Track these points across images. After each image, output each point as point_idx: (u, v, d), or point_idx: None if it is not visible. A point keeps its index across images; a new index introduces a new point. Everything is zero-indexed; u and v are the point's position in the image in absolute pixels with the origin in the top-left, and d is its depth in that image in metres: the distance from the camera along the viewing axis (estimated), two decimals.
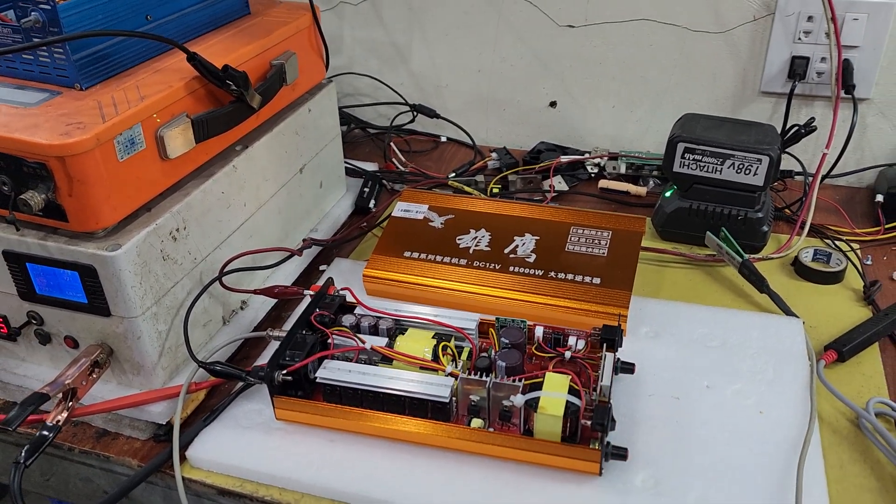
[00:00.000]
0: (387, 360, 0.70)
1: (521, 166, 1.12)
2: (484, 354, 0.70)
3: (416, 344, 0.70)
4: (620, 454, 0.63)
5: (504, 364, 0.67)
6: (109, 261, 0.64)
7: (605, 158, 1.11)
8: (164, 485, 0.69)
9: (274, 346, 0.77)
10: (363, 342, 0.70)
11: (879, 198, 0.98)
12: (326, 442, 0.68)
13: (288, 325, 0.77)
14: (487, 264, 0.83)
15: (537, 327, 0.71)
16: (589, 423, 0.62)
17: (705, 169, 0.91)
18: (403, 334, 0.72)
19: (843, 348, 0.76)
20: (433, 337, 0.71)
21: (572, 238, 0.85)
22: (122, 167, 0.64)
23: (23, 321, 0.72)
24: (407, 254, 0.86)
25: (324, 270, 0.92)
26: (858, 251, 0.93)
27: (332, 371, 0.68)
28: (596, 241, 0.84)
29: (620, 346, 0.70)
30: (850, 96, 0.99)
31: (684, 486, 0.63)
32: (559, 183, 1.08)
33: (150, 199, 0.69)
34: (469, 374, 0.66)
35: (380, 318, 0.74)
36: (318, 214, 0.98)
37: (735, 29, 1.04)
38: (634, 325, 0.80)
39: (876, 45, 0.99)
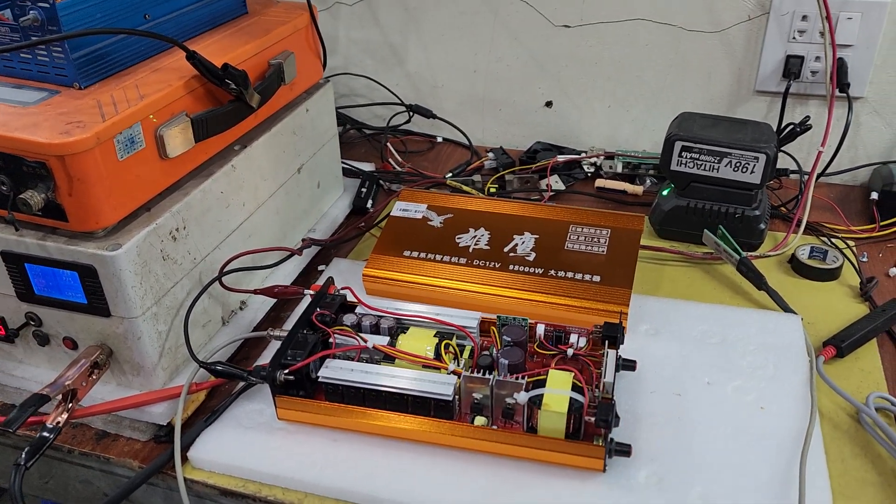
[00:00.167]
0: (389, 359, 0.70)
1: (517, 166, 1.12)
2: (486, 352, 0.70)
3: (418, 342, 0.70)
4: (624, 450, 0.63)
5: (507, 362, 0.67)
6: (110, 260, 0.64)
7: (602, 158, 1.11)
8: (165, 486, 0.69)
9: (273, 346, 0.77)
10: (365, 341, 0.70)
11: (874, 195, 0.99)
12: (329, 441, 0.68)
13: (287, 326, 0.77)
14: (487, 263, 0.83)
15: (538, 325, 0.71)
16: (592, 419, 0.62)
17: (702, 167, 0.91)
18: (405, 333, 0.72)
19: (841, 344, 0.76)
20: (435, 335, 0.71)
21: (571, 236, 0.85)
22: (122, 166, 0.64)
23: (21, 322, 0.71)
24: (406, 253, 0.85)
25: (322, 270, 0.92)
26: (854, 248, 0.94)
27: (335, 370, 0.68)
28: (595, 240, 0.84)
29: (622, 344, 0.70)
30: (844, 95, 0.99)
31: (688, 481, 0.63)
32: (556, 182, 1.08)
33: (149, 199, 0.69)
34: (471, 372, 0.66)
35: (381, 317, 0.74)
36: (316, 215, 0.97)
37: (730, 28, 1.04)
38: (634, 322, 0.80)
39: (869, 43, 1.00)
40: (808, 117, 0.97)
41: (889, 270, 0.90)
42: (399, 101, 1.23)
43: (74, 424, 0.73)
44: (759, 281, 0.85)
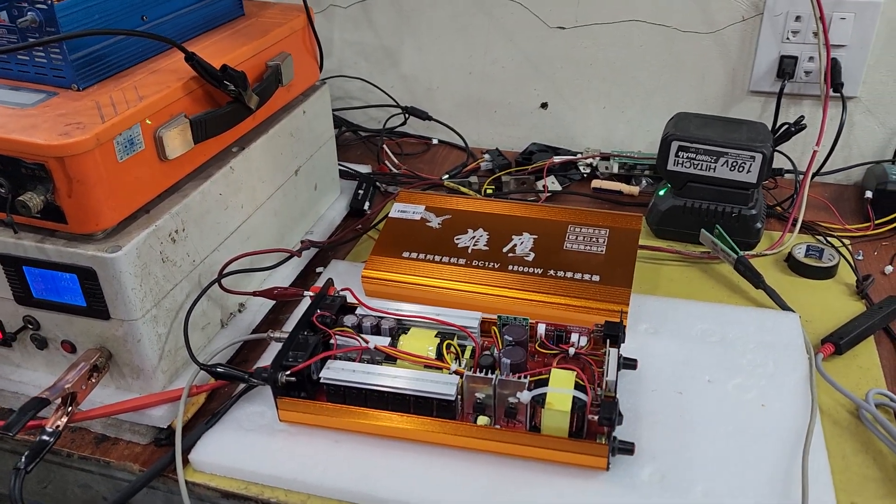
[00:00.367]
0: (390, 360, 0.70)
1: (513, 167, 1.12)
2: (487, 352, 0.70)
3: (420, 343, 0.70)
4: (627, 449, 0.64)
5: (509, 361, 0.67)
6: (110, 263, 0.63)
7: (598, 158, 1.11)
8: (166, 489, 0.69)
9: (273, 348, 0.77)
10: (366, 342, 0.70)
11: (868, 194, 0.99)
12: (331, 442, 0.68)
13: (286, 328, 0.77)
14: (486, 263, 0.83)
15: (539, 325, 0.71)
16: (595, 418, 0.62)
17: (699, 167, 0.91)
18: (406, 333, 0.72)
19: (840, 341, 0.77)
20: (436, 335, 0.71)
21: (570, 236, 0.85)
22: (121, 168, 0.64)
23: (19, 326, 0.71)
24: (405, 254, 0.85)
25: (320, 272, 0.92)
26: (849, 247, 0.94)
27: (336, 371, 0.67)
28: (594, 240, 0.84)
29: (623, 342, 0.70)
30: (838, 94, 1.00)
31: (691, 479, 0.63)
32: (552, 183, 1.08)
33: (148, 201, 0.69)
34: (473, 371, 0.66)
35: (382, 317, 0.74)
36: (314, 216, 0.97)
37: (724, 29, 1.05)
38: (634, 321, 0.80)
39: (863, 44, 1.00)
40: (802, 117, 0.98)
41: (884, 268, 0.91)
42: (395, 104, 1.23)
43: (73, 428, 0.72)
44: (756, 280, 0.85)
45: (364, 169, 1.11)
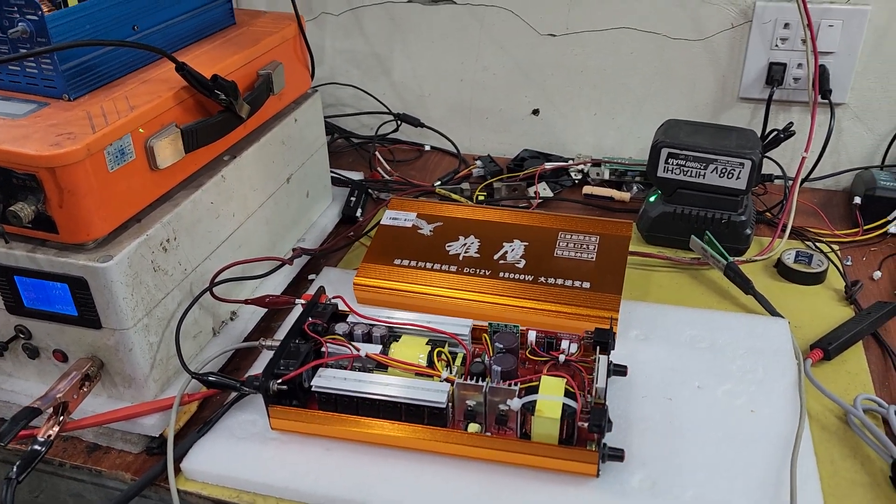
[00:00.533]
0: (381, 368, 0.70)
1: (505, 174, 1.13)
2: (478, 359, 0.70)
3: (411, 350, 0.71)
4: (617, 455, 0.64)
5: (499, 368, 0.67)
6: (101, 272, 0.63)
7: (589, 165, 1.12)
8: (157, 498, 0.69)
9: (265, 356, 0.77)
10: (357, 350, 0.70)
11: (857, 200, 1.00)
12: (323, 450, 0.68)
13: (278, 336, 0.77)
14: (477, 270, 0.83)
15: (530, 332, 0.72)
16: (585, 425, 0.62)
17: (689, 173, 0.92)
18: (397, 341, 0.72)
19: (828, 347, 0.77)
20: (427, 343, 0.71)
21: (560, 243, 0.86)
22: (112, 178, 0.64)
23: (10, 335, 0.71)
24: (397, 261, 0.86)
25: (312, 280, 0.92)
26: (838, 252, 0.95)
27: (328, 379, 0.68)
28: (584, 246, 0.85)
29: (613, 349, 0.71)
30: (826, 101, 1.01)
31: (681, 485, 0.64)
32: (544, 189, 1.08)
33: (140, 210, 0.69)
34: (464, 379, 0.66)
35: (373, 325, 0.74)
36: (306, 224, 0.97)
37: (714, 36, 1.06)
38: (624, 328, 0.81)
39: (851, 50, 1.01)
40: (791, 123, 0.99)
41: (873, 273, 0.91)
42: (387, 111, 1.23)
43: (65, 437, 0.72)
44: (746, 285, 0.86)
45: (356, 176, 1.12)
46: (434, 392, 0.66)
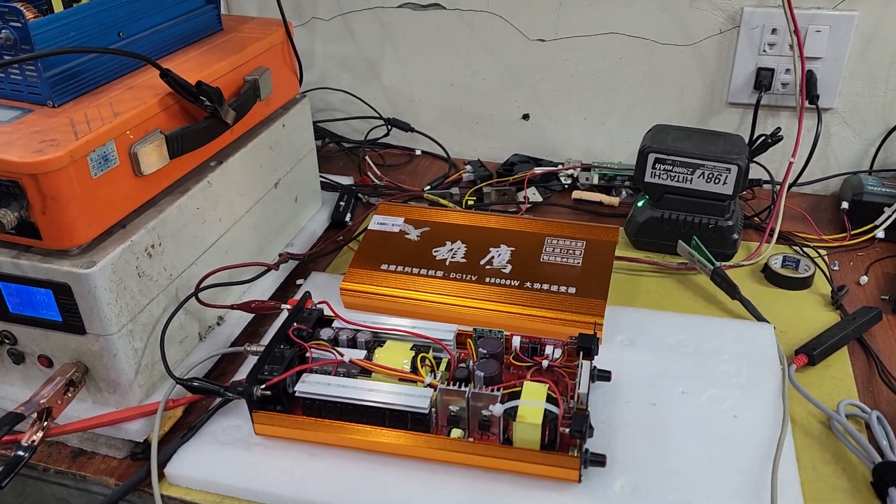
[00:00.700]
0: (365, 373, 0.70)
1: (495, 178, 1.13)
2: (462, 365, 0.71)
3: (395, 356, 0.71)
4: (599, 461, 0.64)
5: (482, 374, 0.67)
6: (85, 278, 0.64)
7: (578, 170, 1.12)
8: (141, 503, 0.69)
9: (251, 361, 0.77)
10: (341, 355, 0.70)
11: (844, 205, 1.00)
12: (307, 456, 0.68)
13: (265, 341, 0.77)
14: (464, 276, 0.84)
15: (514, 337, 0.72)
16: (567, 430, 0.63)
17: (676, 179, 0.92)
18: (382, 346, 0.72)
19: (813, 352, 0.78)
20: (411, 348, 0.72)
21: (547, 248, 0.86)
22: (95, 184, 0.64)
23: None
24: (384, 266, 0.86)
25: (300, 285, 0.92)
26: (826, 257, 0.95)
27: (311, 385, 0.68)
28: (570, 252, 0.85)
29: (597, 354, 0.71)
30: (814, 106, 1.01)
31: (662, 490, 0.64)
32: (533, 194, 1.09)
33: (124, 216, 0.69)
34: (448, 384, 0.67)
35: (358, 330, 0.74)
36: (294, 229, 0.98)
37: (702, 42, 1.06)
38: (610, 333, 0.81)
39: (838, 56, 1.02)
40: (779, 129, 0.99)
41: (860, 279, 0.91)
42: (377, 115, 1.24)
43: (50, 442, 0.72)
44: (732, 291, 0.86)
45: (346, 180, 1.12)
46: (417, 398, 0.66)
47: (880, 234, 0.98)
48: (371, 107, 1.23)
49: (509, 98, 1.18)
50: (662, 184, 0.93)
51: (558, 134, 1.18)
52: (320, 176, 1.04)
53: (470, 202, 1.07)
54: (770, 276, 0.91)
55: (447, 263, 0.85)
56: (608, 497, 0.63)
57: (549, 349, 0.71)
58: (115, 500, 0.66)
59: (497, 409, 0.64)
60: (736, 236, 0.94)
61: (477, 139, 1.23)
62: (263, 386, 0.67)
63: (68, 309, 0.66)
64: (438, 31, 1.15)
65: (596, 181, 1.11)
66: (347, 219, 1.03)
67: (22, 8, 0.63)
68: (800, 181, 1.06)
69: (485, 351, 0.70)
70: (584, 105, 1.15)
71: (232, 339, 0.82)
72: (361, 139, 1.25)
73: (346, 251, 0.99)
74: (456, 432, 0.66)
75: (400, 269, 0.85)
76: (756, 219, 1.03)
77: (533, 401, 0.64)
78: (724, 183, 0.91)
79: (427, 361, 0.70)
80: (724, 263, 0.92)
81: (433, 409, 0.66)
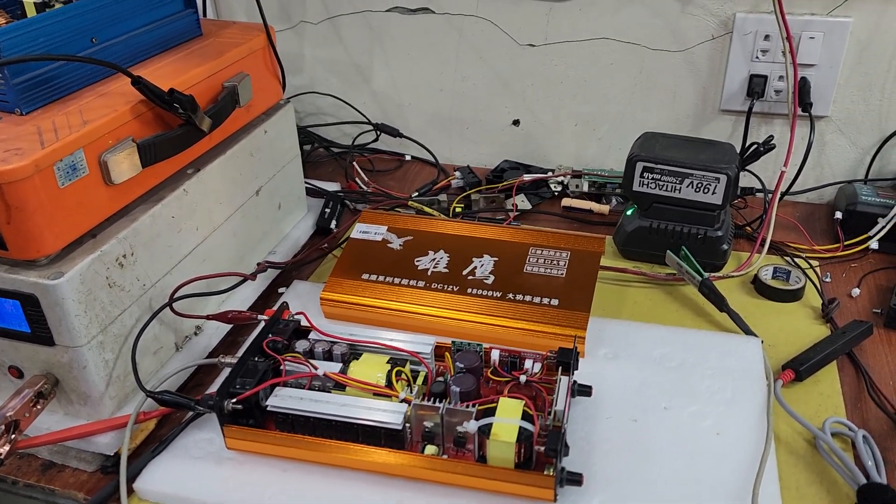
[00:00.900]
0: (340, 387, 0.69)
1: (484, 185, 1.11)
2: (440, 379, 0.69)
3: (370, 369, 0.69)
4: (575, 480, 0.62)
5: (458, 389, 0.66)
6: (51, 289, 0.62)
7: (569, 177, 1.10)
8: None
9: (227, 373, 0.76)
10: (316, 368, 0.69)
11: (838, 215, 0.99)
12: (279, 471, 0.67)
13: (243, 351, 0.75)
14: (445, 286, 0.82)
15: (493, 350, 0.70)
16: (543, 448, 0.61)
17: (664, 188, 0.91)
18: (358, 359, 0.71)
19: (800, 367, 0.76)
20: (388, 362, 0.70)
21: (531, 259, 0.84)
22: (63, 193, 0.63)
23: None
24: (365, 276, 0.84)
25: (283, 293, 0.91)
26: (818, 268, 0.93)
27: (284, 399, 0.66)
28: (554, 262, 0.84)
29: (576, 369, 0.69)
30: (807, 114, 0.99)
31: None
32: (522, 201, 1.07)
33: (95, 226, 0.68)
34: (424, 399, 0.65)
35: (334, 342, 0.73)
36: (277, 236, 0.96)
37: (694, 48, 1.04)
38: (593, 346, 0.79)
39: (833, 63, 1.00)
40: (771, 137, 0.97)
41: (852, 291, 0.90)
42: (366, 120, 1.22)
43: (21, 454, 0.71)
44: (720, 303, 0.84)
45: (333, 186, 1.11)
46: (391, 413, 0.64)
47: (874, 245, 0.96)
48: (360, 112, 1.22)
49: (499, 103, 1.16)
50: (651, 193, 0.91)
51: (549, 140, 1.17)
52: (305, 182, 1.03)
53: (458, 209, 1.06)
54: (760, 288, 0.90)
55: (429, 273, 0.84)
56: None
57: (528, 363, 0.70)
58: None
59: (471, 425, 0.62)
60: (725, 247, 0.92)
61: (467, 145, 1.21)
62: (235, 400, 0.66)
63: (36, 320, 0.65)
64: (427, 35, 1.14)
65: (586, 189, 1.09)
66: (333, 226, 1.02)
67: None
68: (794, 190, 1.04)
69: (462, 365, 0.69)
70: (575, 111, 1.13)
71: (210, 349, 0.81)
72: (351, 144, 1.23)
73: (331, 259, 0.98)
74: (430, 449, 0.65)
75: (381, 278, 0.84)
76: (748, 228, 1.01)
77: (507, 418, 0.62)
78: (713, 192, 0.89)
79: (403, 375, 0.69)
80: (713, 274, 0.90)
81: (407, 425, 0.65)
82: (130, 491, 0.66)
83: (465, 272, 0.84)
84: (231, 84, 0.80)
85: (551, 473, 0.61)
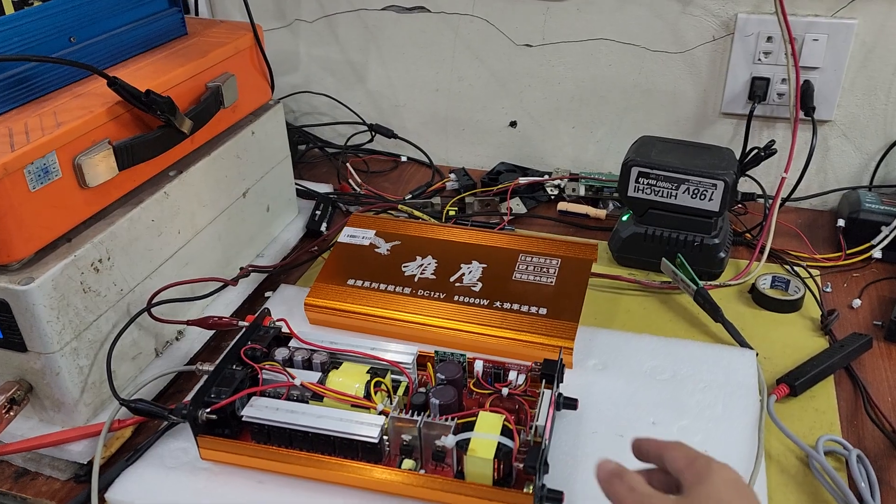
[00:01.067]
0: (318, 398, 0.67)
1: (479, 188, 1.09)
2: (422, 390, 0.67)
3: (349, 379, 0.68)
4: (556, 498, 0.60)
5: (438, 402, 0.64)
6: (22, 295, 0.61)
7: (566, 180, 1.08)
8: None
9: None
10: (293, 377, 0.67)
11: (840, 222, 0.96)
12: (255, 483, 0.65)
13: None
14: (432, 293, 0.80)
15: (477, 361, 0.69)
16: (522, 465, 0.59)
17: (660, 194, 0.88)
18: (338, 368, 0.69)
19: (795, 382, 0.73)
20: (368, 372, 0.68)
21: (520, 266, 0.82)
22: (35, 197, 0.61)
23: None
24: (351, 282, 0.83)
25: (269, 297, 0.89)
26: (818, 278, 0.91)
27: (259, 409, 0.65)
28: (544, 270, 0.81)
29: (562, 382, 0.67)
30: (809, 118, 0.96)
31: None
32: (517, 205, 1.05)
33: (69, 230, 0.66)
34: (403, 411, 0.63)
35: (314, 351, 0.71)
36: (266, 239, 0.95)
37: (694, 49, 1.02)
38: (582, 356, 0.77)
39: (837, 66, 0.97)
40: (772, 141, 0.94)
41: (852, 302, 0.87)
42: (361, 121, 1.20)
43: None
44: (715, 313, 0.82)
45: (325, 188, 1.09)
46: (367, 426, 0.63)
47: (877, 254, 0.93)
48: (354, 112, 1.20)
49: (496, 104, 1.14)
50: (646, 199, 0.89)
51: (546, 142, 1.14)
52: (296, 184, 1.01)
53: (451, 213, 1.04)
54: (757, 298, 0.87)
55: (416, 280, 0.82)
56: None
57: (512, 375, 0.68)
58: None
59: (449, 440, 0.60)
60: (723, 255, 0.90)
61: (463, 146, 1.19)
62: (209, 409, 0.64)
63: (8, 326, 0.63)
64: (423, 34, 1.12)
65: (583, 193, 1.07)
66: (323, 228, 1.00)
67: None
68: (797, 196, 1.02)
69: (443, 377, 0.67)
70: (573, 113, 1.11)
71: (191, 354, 0.79)
72: (344, 145, 1.21)
73: (321, 262, 0.96)
74: (408, 463, 0.63)
75: (367, 284, 0.82)
76: (747, 235, 0.99)
77: (486, 433, 0.60)
78: (710, 199, 0.86)
79: (382, 386, 0.67)
80: (709, 283, 0.88)
81: (385, 438, 0.63)
82: (102, 501, 0.64)
83: (452, 279, 0.82)
84: (215, 84, 0.79)
85: (530, 491, 0.59)
